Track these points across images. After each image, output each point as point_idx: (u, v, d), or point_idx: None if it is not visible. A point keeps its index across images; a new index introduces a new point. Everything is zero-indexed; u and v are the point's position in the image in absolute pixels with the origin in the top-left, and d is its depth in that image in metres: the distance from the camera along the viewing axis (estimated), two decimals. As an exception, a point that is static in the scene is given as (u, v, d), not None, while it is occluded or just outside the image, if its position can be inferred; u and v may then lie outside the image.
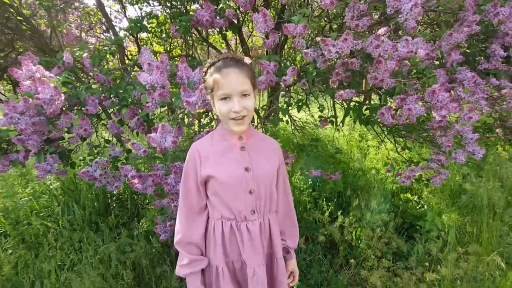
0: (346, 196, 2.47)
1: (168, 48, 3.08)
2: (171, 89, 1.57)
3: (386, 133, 1.92)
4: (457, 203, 2.48)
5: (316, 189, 2.51)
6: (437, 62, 1.80)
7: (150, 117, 1.87)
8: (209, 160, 1.00)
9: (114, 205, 2.30)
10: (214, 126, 1.63)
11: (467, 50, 1.98)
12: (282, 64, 1.31)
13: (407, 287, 1.59)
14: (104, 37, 3.72)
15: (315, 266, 1.89)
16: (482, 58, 1.98)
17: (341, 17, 1.56)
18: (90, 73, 2.09)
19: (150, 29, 2.66)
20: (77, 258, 1.63)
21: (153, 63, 1.39)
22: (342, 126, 1.80)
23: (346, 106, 1.96)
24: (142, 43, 2.96)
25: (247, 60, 0.96)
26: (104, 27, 3.81)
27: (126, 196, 2.32)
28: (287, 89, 1.44)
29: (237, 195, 0.99)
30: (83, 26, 3.90)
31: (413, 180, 1.87)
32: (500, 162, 2.84)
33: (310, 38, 1.96)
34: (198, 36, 2.85)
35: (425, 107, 1.27)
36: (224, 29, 2.01)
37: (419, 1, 0.96)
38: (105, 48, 2.73)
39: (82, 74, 2.36)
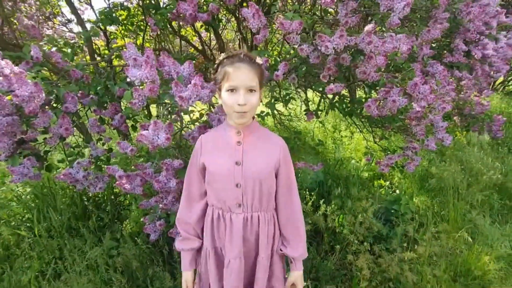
0: (326, 186, 2.57)
1: (140, 42, 2.94)
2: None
3: (366, 124, 2.02)
4: (425, 187, 2.69)
5: (298, 180, 2.58)
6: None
7: (132, 115, 1.80)
8: (208, 151, 1.09)
9: (91, 208, 2.19)
10: (205, 119, 1.60)
11: (432, 45, 2.14)
12: (273, 60, 1.32)
13: (390, 267, 1.71)
14: (66, 30, 3.46)
15: (303, 254, 1.96)
16: (445, 52, 2.16)
17: (312, 13, 1.61)
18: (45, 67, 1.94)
19: (122, 21, 2.52)
20: (62, 266, 1.54)
21: (140, 58, 1.33)
22: (318, 118, 1.86)
23: (326, 99, 2.04)
24: (112, 37, 2.80)
25: (259, 60, 1.02)
26: (64, 19, 3.54)
27: (104, 198, 2.21)
28: (275, 83, 1.47)
29: (225, 187, 1.05)
30: (39, 16, 3.58)
31: (391, 168, 2.00)
32: (460, 147, 3.12)
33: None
34: (170, 29, 2.77)
35: (406, 99, 1.36)
36: (204, 23, 1.98)
37: (411, 0, 1.03)
38: (71, 41, 2.55)
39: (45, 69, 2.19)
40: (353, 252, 1.96)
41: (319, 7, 1.32)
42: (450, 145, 1.85)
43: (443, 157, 3.03)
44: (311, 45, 1.16)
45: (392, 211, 2.42)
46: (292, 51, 1.29)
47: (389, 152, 2.06)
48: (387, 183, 2.95)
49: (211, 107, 2.15)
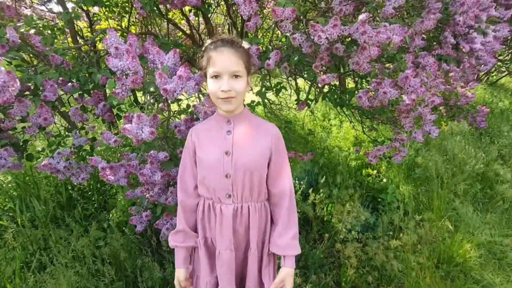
0: (314, 174, 2.59)
1: (125, 25, 2.82)
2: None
3: (356, 114, 2.02)
4: (412, 176, 2.74)
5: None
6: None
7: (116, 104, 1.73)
8: (199, 141, 1.07)
9: (76, 197, 2.13)
10: (191, 110, 1.56)
11: (423, 36, 2.12)
12: (264, 47, 1.28)
13: (376, 255, 1.75)
14: (45, 10, 3.26)
15: (292, 243, 1.99)
16: (435, 44, 2.15)
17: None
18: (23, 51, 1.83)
19: (105, 2, 2.39)
20: (47, 257, 1.50)
21: (122, 47, 1.26)
22: (309, 108, 1.84)
23: (316, 89, 2.01)
24: (95, 18, 2.66)
25: (245, 44, 0.97)
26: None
27: (90, 186, 2.16)
28: (266, 72, 1.43)
29: (215, 177, 1.03)
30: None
31: (379, 158, 2.02)
32: (444, 137, 3.18)
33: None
34: (157, 12, 2.66)
35: (397, 91, 1.35)
36: (194, 7, 1.89)
37: (407, -10, 1.01)
38: (51, 23, 2.41)
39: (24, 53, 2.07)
40: (341, 241, 2.00)
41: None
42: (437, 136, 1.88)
43: (428, 146, 3.08)
44: (303, 34, 1.13)
45: (379, 199, 2.47)
46: (283, 39, 1.25)
47: (377, 143, 2.08)
48: (375, 172, 3.00)
49: (200, 96, 2.09)
